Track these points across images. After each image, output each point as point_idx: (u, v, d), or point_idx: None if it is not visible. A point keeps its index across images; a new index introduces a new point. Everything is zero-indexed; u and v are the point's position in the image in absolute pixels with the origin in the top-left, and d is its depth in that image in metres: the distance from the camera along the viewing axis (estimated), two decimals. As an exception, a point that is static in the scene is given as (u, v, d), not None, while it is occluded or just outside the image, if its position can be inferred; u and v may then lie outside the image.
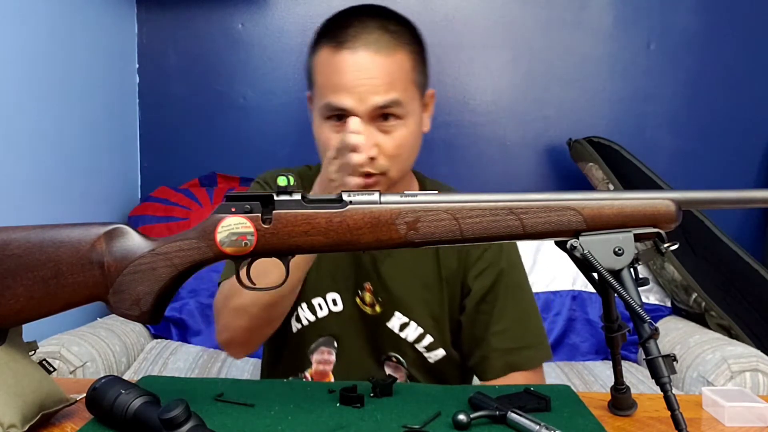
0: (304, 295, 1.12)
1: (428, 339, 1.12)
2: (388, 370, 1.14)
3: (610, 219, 0.73)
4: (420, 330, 1.12)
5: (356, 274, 1.13)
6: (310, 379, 1.15)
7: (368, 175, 0.99)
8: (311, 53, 1.05)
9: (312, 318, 1.13)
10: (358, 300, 1.13)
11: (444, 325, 1.13)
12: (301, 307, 1.13)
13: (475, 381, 1.22)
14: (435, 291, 1.12)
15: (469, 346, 1.13)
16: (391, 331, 1.12)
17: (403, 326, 1.12)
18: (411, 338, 1.12)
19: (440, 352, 1.13)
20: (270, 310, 1.02)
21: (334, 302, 1.13)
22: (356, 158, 0.94)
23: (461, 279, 1.12)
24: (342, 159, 0.95)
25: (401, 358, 1.13)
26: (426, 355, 1.13)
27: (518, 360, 1.10)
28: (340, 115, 1.00)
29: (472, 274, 1.12)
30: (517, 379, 1.09)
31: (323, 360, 1.14)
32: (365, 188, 0.97)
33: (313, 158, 1.17)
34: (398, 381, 1.12)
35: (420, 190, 1.15)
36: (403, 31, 1.04)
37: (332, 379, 1.13)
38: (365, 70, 0.98)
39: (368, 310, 1.12)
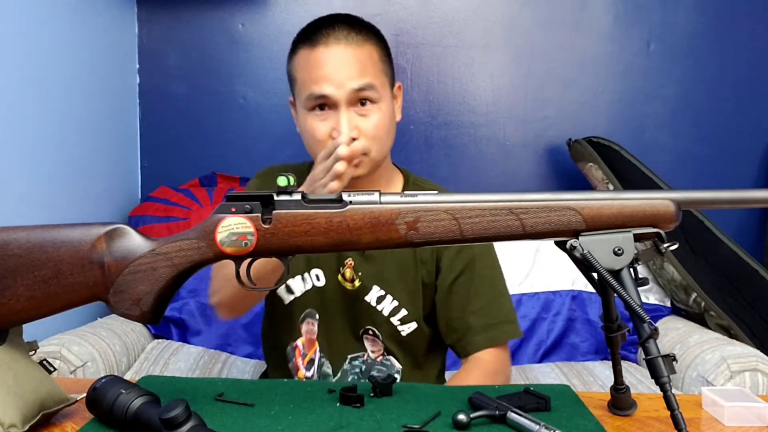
0: (296, 269, 1.21)
1: (402, 312, 1.20)
2: (366, 343, 1.22)
3: (610, 219, 0.74)
4: (395, 303, 1.20)
5: (339, 253, 1.19)
6: (301, 347, 1.23)
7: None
8: (290, 59, 1.19)
9: (303, 289, 1.21)
10: (339, 277, 1.20)
11: (418, 301, 1.21)
12: (294, 279, 1.21)
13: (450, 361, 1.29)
14: (410, 269, 1.20)
15: (447, 325, 1.21)
16: (368, 305, 1.20)
17: (379, 299, 1.20)
18: (386, 311, 1.20)
19: (413, 325, 1.21)
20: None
21: (317, 277, 1.21)
22: (341, 167, 1.04)
23: (435, 261, 1.20)
24: (329, 163, 1.05)
25: (377, 331, 1.21)
26: (399, 327, 1.21)
27: (498, 334, 1.18)
28: (322, 105, 1.13)
29: (446, 257, 1.20)
30: (491, 354, 1.17)
31: (309, 330, 1.23)
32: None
33: (311, 158, 1.20)
34: (375, 354, 1.22)
35: (404, 183, 1.25)
36: (368, 31, 1.17)
37: (317, 348, 1.23)
38: (340, 60, 1.11)
39: (348, 285, 1.20)
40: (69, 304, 0.76)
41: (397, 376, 1.22)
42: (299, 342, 1.23)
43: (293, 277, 1.21)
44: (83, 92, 1.89)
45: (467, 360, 1.19)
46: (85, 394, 0.75)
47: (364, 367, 1.22)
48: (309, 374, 1.22)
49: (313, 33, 1.14)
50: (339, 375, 1.22)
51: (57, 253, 0.75)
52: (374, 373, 1.20)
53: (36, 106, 1.65)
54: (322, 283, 1.21)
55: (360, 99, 1.12)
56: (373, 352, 1.22)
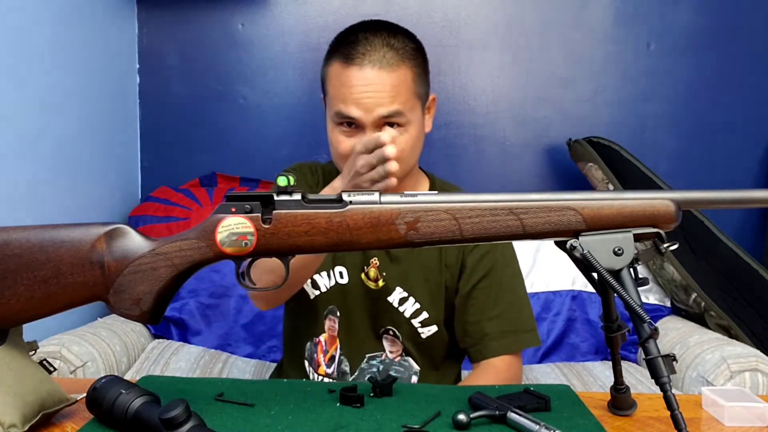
0: (323, 265, 1.21)
1: (424, 315, 1.20)
2: (385, 344, 1.22)
3: (610, 219, 0.74)
4: (417, 305, 1.20)
5: (364, 251, 1.19)
6: (324, 342, 1.24)
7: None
8: (324, 64, 1.17)
9: (329, 284, 1.22)
10: (363, 275, 1.20)
11: (440, 304, 1.20)
12: (320, 275, 1.22)
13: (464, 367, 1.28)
14: (435, 273, 1.20)
15: (463, 329, 1.20)
16: (391, 305, 1.20)
17: (402, 300, 1.20)
18: (408, 313, 1.20)
19: (433, 328, 1.21)
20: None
21: (341, 275, 1.21)
22: (393, 167, 0.99)
23: (460, 265, 1.20)
24: (372, 159, 1.00)
25: (397, 332, 1.21)
26: (420, 330, 1.20)
27: (514, 342, 1.18)
28: (349, 123, 1.12)
29: (470, 261, 1.19)
30: (506, 360, 1.16)
31: (331, 327, 1.23)
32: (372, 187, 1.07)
33: (312, 158, 1.21)
34: (393, 354, 1.21)
35: (430, 187, 1.25)
36: (406, 47, 1.13)
37: (338, 345, 1.23)
38: (371, 84, 1.09)
39: (372, 284, 1.20)
40: (69, 304, 0.76)
41: (414, 377, 1.21)
42: (322, 338, 1.24)
43: (319, 272, 1.22)
44: (83, 92, 1.89)
45: (479, 365, 1.18)
46: (85, 394, 0.75)
47: (381, 367, 1.22)
48: (330, 371, 1.22)
49: (350, 48, 1.11)
50: (356, 373, 1.22)
51: (57, 253, 0.75)
52: (392, 372, 1.20)
53: (36, 107, 1.65)
54: (345, 280, 1.21)
55: (387, 123, 1.11)
56: (391, 352, 1.22)
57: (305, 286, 1.22)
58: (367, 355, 1.22)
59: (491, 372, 1.16)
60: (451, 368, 1.28)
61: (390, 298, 1.20)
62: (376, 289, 1.20)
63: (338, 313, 1.22)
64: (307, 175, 1.29)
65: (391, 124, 1.11)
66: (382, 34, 1.12)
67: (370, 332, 1.22)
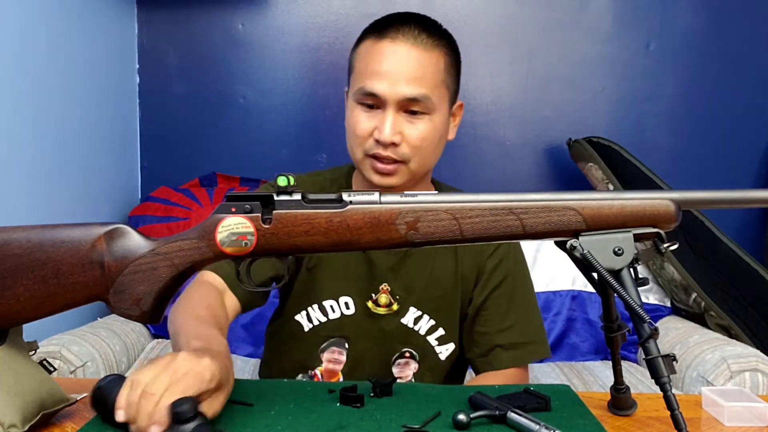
0: (316, 296, 1.14)
1: (440, 331, 1.15)
2: (395, 370, 1.15)
3: (610, 219, 0.74)
4: (432, 322, 1.14)
5: (369, 279, 1.14)
6: (319, 376, 1.16)
7: (390, 161, 1.04)
8: (354, 48, 1.11)
9: (323, 319, 1.15)
10: (370, 303, 1.14)
11: (455, 319, 1.16)
12: (312, 308, 1.15)
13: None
14: (450, 287, 1.15)
15: (472, 340, 1.15)
16: (404, 326, 1.14)
17: (416, 320, 1.14)
18: (423, 330, 1.14)
19: (450, 347, 1.15)
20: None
21: (347, 305, 1.14)
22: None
23: (476, 275, 1.15)
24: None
25: (414, 351, 1.15)
26: (437, 349, 1.15)
27: (524, 354, 1.13)
28: (371, 105, 1.05)
29: (486, 269, 1.15)
30: (513, 372, 1.12)
31: (333, 359, 1.16)
32: (385, 174, 1.04)
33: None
34: (404, 381, 1.15)
35: None
36: (442, 37, 1.09)
37: (341, 379, 1.15)
38: (401, 59, 1.03)
39: (382, 311, 1.14)
40: (69, 304, 0.76)
41: None
42: (318, 371, 1.17)
43: (312, 305, 1.15)
44: (83, 92, 1.89)
45: (485, 375, 1.13)
46: (85, 394, 0.75)
47: None
48: None
49: (385, 25, 1.06)
50: None
51: (57, 253, 0.75)
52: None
53: (36, 106, 1.65)
54: (351, 311, 1.14)
55: (411, 108, 1.04)
56: (400, 379, 1.16)
57: (300, 318, 1.16)
58: None
59: (500, 378, 1.11)
60: (455, 381, 1.23)
61: (404, 320, 1.14)
62: (388, 314, 1.14)
63: (346, 345, 1.15)
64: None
65: (415, 112, 1.04)
66: (419, 19, 1.09)
67: (380, 361, 1.15)
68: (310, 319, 1.16)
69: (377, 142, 1.04)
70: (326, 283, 1.14)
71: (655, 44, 2.27)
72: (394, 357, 1.15)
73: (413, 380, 1.15)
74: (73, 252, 0.75)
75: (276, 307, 1.23)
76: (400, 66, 1.03)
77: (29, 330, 0.79)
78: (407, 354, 1.15)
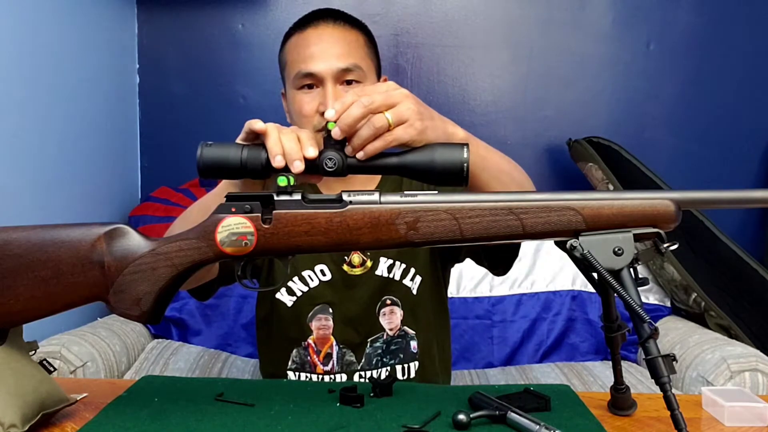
0: (294, 270, 1.20)
1: (412, 271, 1.21)
2: (383, 321, 1.21)
3: (610, 219, 0.74)
4: (403, 266, 1.20)
5: None
6: (313, 345, 1.21)
7: None
8: (282, 48, 1.21)
9: (305, 289, 1.20)
10: (345, 267, 1.20)
11: (421, 255, 1.20)
12: (293, 281, 1.20)
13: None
14: None
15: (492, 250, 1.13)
16: (380, 277, 1.20)
17: (389, 268, 1.20)
18: (398, 276, 1.20)
19: (418, 279, 1.21)
20: None
21: (322, 272, 1.20)
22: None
23: None
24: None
25: (394, 297, 1.21)
26: (410, 285, 1.21)
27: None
28: (310, 85, 1.14)
29: None
30: None
31: (322, 326, 1.21)
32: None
33: None
34: (392, 330, 1.21)
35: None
36: (357, 22, 1.20)
37: (333, 342, 1.21)
38: (328, 39, 1.14)
39: (358, 270, 1.20)
40: (69, 304, 0.76)
41: (413, 342, 1.21)
42: (310, 340, 1.22)
43: (291, 278, 1.20)
44: (83, 92, 1.89)
45: None
46: (85, 394, 0.75)
47: (384, 347, 1.21)
48: (328, 368, 1.22)
49: (305, 20, 1.19)
50: (363, 360, 1.21)
51: (57, 253, 0.75)
52: (393, 347, 1.20)
53: (36, 107, 1.65)
54: (328, 277, 1.20)
55: (346, 79, 1.13)
56: (390, 330, 1.21)
57: (280, 295, 1.21)
58: (369, 340, 1.21)
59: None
60: (443, 330, 1.29)
61: (378, 272, 1.20)
62: (364, 272, 1.20)
63: (330, 310, 1.21)
64: None
65: (350, 82, 1.13)
66: (333, 10, 1.20)
67: (366, 317, 1.21)
68: (292, 293, 1.21)
69: (323, 115, 1.07)
70: (300, 256, 1.17)
71: (655, 44, 2.27)
72: (378, 308, 1.21)
73: (400, 326, 1.21)
74: (73, 252, 0.75)
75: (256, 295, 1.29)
76: (328, 44, 1.14)
77: (29, 330, 0.79)
78: (388, 302, 1.21)
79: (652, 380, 0.69)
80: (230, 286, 1.92)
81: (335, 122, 0.80)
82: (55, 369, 0.83)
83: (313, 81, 1.13)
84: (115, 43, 2.12)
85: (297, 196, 0.75)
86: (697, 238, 2.03)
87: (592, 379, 1.78)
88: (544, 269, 1.99)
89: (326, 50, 1.13)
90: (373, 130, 0.79)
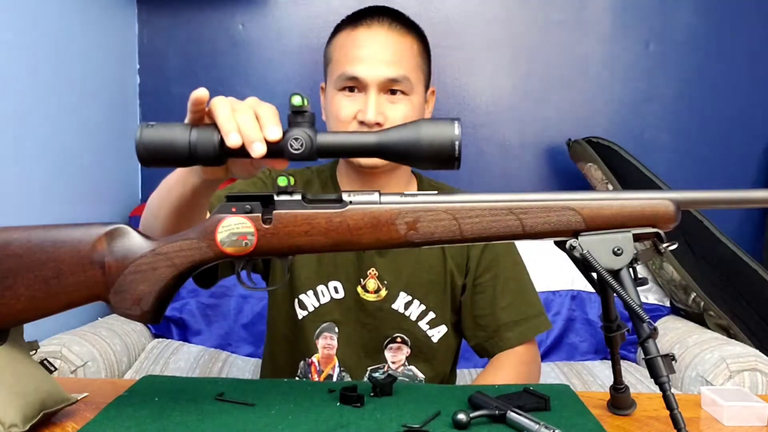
0: (309, 283, 1.18)
1: (431, 315, 1.17)
2: (388, 354, 1.18)
3: (609, 219, 0.74)
4: (423, 307, 1.17)
5: (358, 263, 1.17)
6: (316, 363, 1.19)
7: None
8: (329, 41, 1.16)
9: (316, 304, 1.18)
10: (359, 289, 1.17)
11: (446, 304, 1.18)
12: (306, 294, 1.18)
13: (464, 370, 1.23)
14: (439, 273, 1.18)
15: (475, 324, 1.18)
16: (395, 312, 1.17)
17: (407, 305, 1.17)
18: (414, 316, 1.17)
19: (442, 329, 1.18)
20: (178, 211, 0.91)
21: (336, 290, 1.18)
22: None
23: (465, 261, 1.18)
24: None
25: (405, 337, 1.18)
26: (429, 332, 1.18)
27: (528, 329, 1.16)
28: (352, 87, 1.10)
29: (473, 256, 1.18)
30: (525, 348, 1.15)
31: (327, 345, 1.19)
32: None
33: None
34: (395, 365, 1.18)
35: (418, 188, 1.22)
36: (413, 26, 1.16)
37: (336, 363, 1.19)
38: (379, 43, 1.09)
39: (371, 297, 1.17)
40: (70, 303, 0.76)
41: (420, 376, 1.20)
42: (314, 358, 1.20)
43: (306, 292, 1.18)
44: (84, 92, 1.89)
45: (498, 357, 1.16)
46: (86, 394, 0.75)
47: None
48: None
49: (359, 16, 1.13)
50: None
51: (57, 253, 0.75)
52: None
53: (36, 107, 1.66)
54: (340, 295, 1.18)
55: (392, 89, 1.09)
56: (393, 363, 1.18)
57: (293, 306, 1.18)
58: (369, 369, 1.20)
59: (513, 361, 1.14)
60: (452, 375, 1.27)
61: (395, 306, 1.17)
62: (377, 300, 1.17)
63: (336, 330, 1.19)
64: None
65: (395, 92, 1.09)
66: (390, 10, 1.15)
67: (371, 345, 1.18)
68: (303, 306, 1.19)
69: (361, 123, 1.08)
70: (315, 269, 1.17)
71: (655, 44, 2.27)
72: (386, 342, 1.18)
73: (406, 363, 1.19)
74: (73, 252, 0.75)
75: (269, 297, 1.27)
76: (378, 49, 1.08)
77: (30, 330, 0.79)
78: (398, 339, 1.18)
79: (652, 380, 0.69)
80: (230, 286, 1.94)
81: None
82: (55, 368, 0.83)
83: (355, 84, 1.09)
84: (115, 43, 2.12)
85: (297, 196, 0.75)
86: (696, 238, 2.03)
87: (591, 378, 1.78)
88: (544, 269, 1.99)
89: (375, 55, 1.08)
90: None
